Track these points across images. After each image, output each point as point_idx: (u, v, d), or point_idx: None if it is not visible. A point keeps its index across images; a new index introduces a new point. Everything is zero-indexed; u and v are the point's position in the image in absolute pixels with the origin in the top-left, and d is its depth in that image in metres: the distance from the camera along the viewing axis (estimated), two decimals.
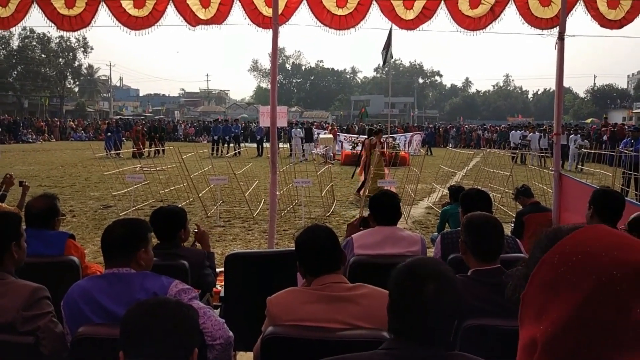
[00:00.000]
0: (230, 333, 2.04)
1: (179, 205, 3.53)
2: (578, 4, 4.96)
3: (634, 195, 10.90)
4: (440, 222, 5.70)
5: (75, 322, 2.02)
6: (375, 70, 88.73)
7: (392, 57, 18.86)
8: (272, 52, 4.88)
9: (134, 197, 9.19)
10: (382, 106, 63.81)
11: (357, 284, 2.09)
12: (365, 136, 14.98)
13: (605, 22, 4.99)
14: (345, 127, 35.28)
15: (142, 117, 48.99)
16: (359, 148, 21.16)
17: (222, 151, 23.59)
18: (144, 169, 11.12)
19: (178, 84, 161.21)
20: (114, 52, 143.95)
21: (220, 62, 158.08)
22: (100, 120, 45.58)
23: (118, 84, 77.73)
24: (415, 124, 46.10)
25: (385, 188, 7.99)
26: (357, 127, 34.26)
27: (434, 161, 17.93)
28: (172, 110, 71.89)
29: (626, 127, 26.52)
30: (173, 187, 10.74)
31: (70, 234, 3.22)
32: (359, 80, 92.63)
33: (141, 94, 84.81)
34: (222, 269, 3.37)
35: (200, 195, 9.53)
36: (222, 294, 3.28)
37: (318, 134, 25.19)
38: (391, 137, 23.59)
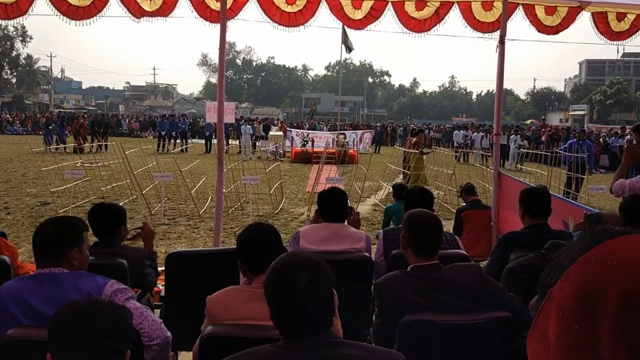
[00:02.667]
0: (168, 333, 2.00)
1: (120, 204, 3.42)
2: (517, 9, 5.16)
3: (574, 195, 11.38)
4: (385, 219, 5.82)
5: (4, 324, 1.93)
6: (326, 68, 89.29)
7: (351, 47, 18.83)
8: (220, 47, 4.82)
9: (73, 194, 8.81)
10: (332, 104, 64.25)
11: None
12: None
13: (542, 28, 5.22)
14: (295, 124, 35.24)
15: (85, 111, 47.04)
16: (309, 145, 21.27)
17: (167, 147, 23.01)
18: (85, 164, 10.67)
19: (123, 77, 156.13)
20: (56, 43, 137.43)
21: (168, 55, 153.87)
22: (40, 113, 43.39)
23: (59, 76, 74.39)
24: (364, 123, 46.65)
25: (335, 185, 8.06)
26: (307, 125, 34.37)
27: (381, 159, 18.19)
28: (117, 104, 69.32)
29: (562, 128, 28.03)
30: (115, 184, 10.38)
31: (1, 232, 3.06)
32: (310, 78, 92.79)
33: (84, 87, 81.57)
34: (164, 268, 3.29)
35: (144, 192, 9.26)
36: (162, 293, 3.21)
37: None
38: (342, 133, 23.84)
